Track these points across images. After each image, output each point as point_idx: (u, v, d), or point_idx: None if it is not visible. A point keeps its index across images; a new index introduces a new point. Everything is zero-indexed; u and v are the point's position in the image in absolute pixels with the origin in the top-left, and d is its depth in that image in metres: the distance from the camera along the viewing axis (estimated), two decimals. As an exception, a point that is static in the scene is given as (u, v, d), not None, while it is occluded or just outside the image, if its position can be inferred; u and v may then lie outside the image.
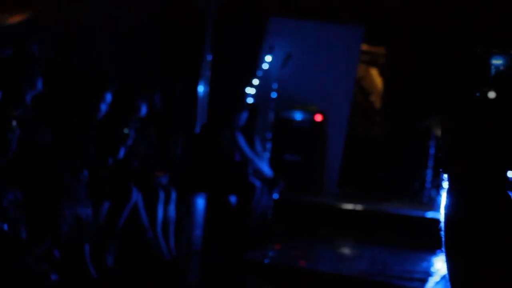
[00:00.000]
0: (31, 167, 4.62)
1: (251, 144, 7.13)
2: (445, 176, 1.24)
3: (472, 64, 1.24)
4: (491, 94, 1.20)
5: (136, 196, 5.28)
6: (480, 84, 1.21)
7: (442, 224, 1.23)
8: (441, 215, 1.24)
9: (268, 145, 8.56)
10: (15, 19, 6.37)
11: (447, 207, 1.23)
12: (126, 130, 5.27)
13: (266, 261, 6.03)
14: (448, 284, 1.24)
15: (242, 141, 6.87)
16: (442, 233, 1.23)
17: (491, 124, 1.19)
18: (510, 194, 1.18)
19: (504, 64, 1.21)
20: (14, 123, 4.39)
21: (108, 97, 5.22)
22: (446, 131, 1.26)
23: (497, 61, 1.22)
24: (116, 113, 5.59)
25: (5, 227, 4.07)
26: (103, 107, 5.20)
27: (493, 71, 1.21)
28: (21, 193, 4.36)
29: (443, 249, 1.22)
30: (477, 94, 1.21)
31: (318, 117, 9.47)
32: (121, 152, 5.28)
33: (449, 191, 1.24)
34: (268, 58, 8.92)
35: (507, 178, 1.18)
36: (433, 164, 8.81)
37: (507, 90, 1.21)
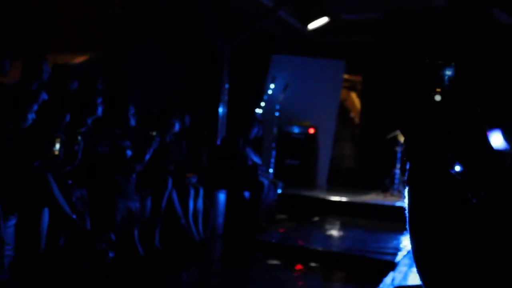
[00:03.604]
0: (93, 171, 4.60)
1: (258, 151, 7.15)
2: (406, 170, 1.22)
3: (426, 75, 1.23)
4: (437, 98, 1.18)
5: (171, 183, 5.24)
6: (433, 90, 1.19)
7: (406, 211, 1.23)
8: (405, 203, 1.22)
9: (273, 152, 8.57)
10: (80, 59, 6.40)
11: (407, 195, 1.22)
12: (154, 133, 5.18)
13: (273, 241, 6.03)
14: (411, 257, 1.23)
15: (249, 151, 6.88)
16: (406, 217, 1.22)
17: (439, 124, 1.17)
18: (456, 184, 1.16)
19: (453, 74, 1.20)
20: (79, 138, 4.42)
21: (132, 111, 5.13)
22: (403, 132, 1.25)
23: (448, 72, 1.21)
24: (156, 129, 5.61)
25: (74, 217, 4.09)
26: (132, 119, 5.17)
27: (446, 80, 1.20)
28: (85, 191, 4.37)
29: (407, 229, 1.22)
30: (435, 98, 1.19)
31: (311, 130, 9.47)
32: (148, 154, 5.11)
33: (408, 183, 1.22)
34: (272, 86, 8.95)
35: (454, 170, 1.16)
36: (400, 165, 8.79)
37: (456, 94, 1.19)
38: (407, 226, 1.20)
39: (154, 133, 5.14)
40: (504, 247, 1.10)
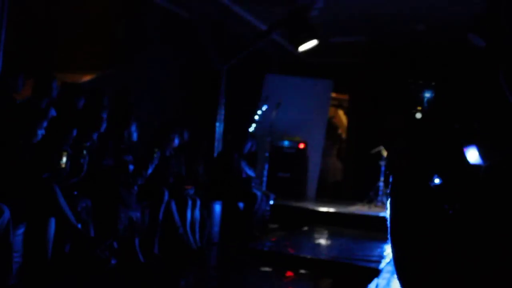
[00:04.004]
0: (97, 183, 4.60)
1: (252, 165, 7.16)
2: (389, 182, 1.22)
3: (407, 95, 1.25)
4: (418, 115, 1.20)
5: (168, 195, 5.23)
6: (414, 109, 1.21)
7: (388, 220, 1.24)
8: (387, 214, 1.25)
9: (266, 166, 8.59)
10: (87, 77, 6.43)
11: (389, 207, 1.23)
12: (156, 149, 5.19)
13: (265, 249, 6.03)
14: (392, 264, 1.24)
15: (244, 164, 6.89)
16: (387, 227, 1.22)
17: (420, 140, 1.18)
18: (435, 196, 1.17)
19: (431, 95, 1.21)
20: (85, 152, 4.42)
21: (134, 126, 5.15)
22: (386, 147, 1.26)
23: (427, 94, 1.23)
24: (157, 143, 5.63)
25: (79, 226, 4.09)
26: (135, 134, 5.17)
27: (425, 101, 1.22)
28: (90, 202, 4.37)
29: (388, 238, 1.23)
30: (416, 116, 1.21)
31: (301, 145, 9.50)
32: (150, 168, 5.18)
33: (390, 195, 1.23)
34: (265, 103, 8.99)
35: (432, 182, 1.16)
36: (384, 178, 8.84)
37: (433, 113, 1.21)
38: (388, 236, 1.20)
39: (156, 150, 5.15)
40: (479, 256, 1.11)
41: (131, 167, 4.90)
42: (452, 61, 8.15)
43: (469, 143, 1.21)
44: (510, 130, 1.17)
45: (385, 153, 8.44)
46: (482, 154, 1.20)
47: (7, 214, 3.41)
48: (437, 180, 1.17)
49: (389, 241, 1.22)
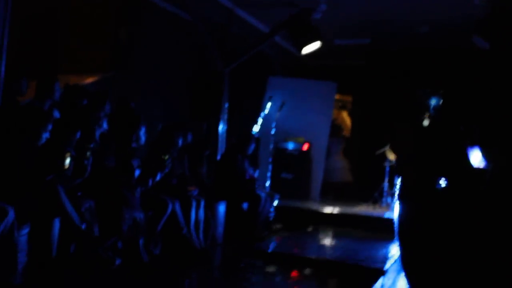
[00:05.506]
0: (101, 184, 4.62)
1: (255, 166, 7.16)
2: (397, 186, 1.24)
3: (415, 103, 1.27)
4: (425, 122, 1.23)
5: (171, 208, 5.21)
6: (421, 116, 1.24)
7: (396, 222, 1.25)
8: (395, 215, 1.26)
9: (269, 167, 8.59)
10: (89, 80, 6.46)
11: (398, 210, 1.24)
12: (166, 157, 5.17)
13: (270, 249, 6.03)
14: (400, 264, 1.25)
15: (247, 165, 6.90)
16: (396, 228, 1.24)
17: (427, 146, 1.21)
18: (441, 197, 1.18)
19: (438, 102, 1.25)
20: (88, 153, 4.44)
21: (143, 130, 5.14)
22: (395, 153, 1.28)
23: (433, 101, 1.26)
24: (160, 144, 5.65)
25: (83, 226, 4.10)
26: (143, 138, 5.18)
27: (431, 107, 1.25)
28: (94, 202, 4.37)
29: (396, 239, 1.24)
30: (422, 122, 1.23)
31: (305, 146, 9.50)
32: (158, 176, 5.19)
33: (399, 198, 1.25)
34: (268, 105, 9.00)
35: (439, 184, 1.18)
36: (388, 179, 8.81)
37: (439, 120, 1.24)
38: (397, 236, 1.23)
39: (167, 157, 5.12)
40: (485, 254, 1.12)
41: (137, 171, 4.90)
42: (456, 64, 8.16)
43: (472, 145, 1.23)
44: None
45: (390, 155, 8.44)
46: (485, 156, 1.22)
47: (11, 215, 3.44)
48: (442, 183, 1.19)
49: (396, 241, 1.22)
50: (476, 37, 6.58)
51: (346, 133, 11.21)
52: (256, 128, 8.63)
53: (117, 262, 4.12)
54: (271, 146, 8.73)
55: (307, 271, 5.26)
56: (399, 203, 1.14)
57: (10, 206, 3.46)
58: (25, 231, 3.74)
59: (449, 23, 7.84)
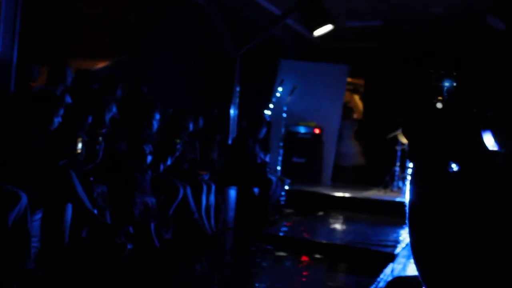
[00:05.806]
0: (113, 169, 4.63)
1: (267, 150, 7.15)
2: (410, 170, 1.23)
3: (428, 85, 1.24)
4: (439, 105, 1.20)
5: (183, 192, 5.21)
6: (434, 98, 1.21)
7: (407, 206, 1.24)
8: (406, 200, 1.25)
9: (281, 151, 8.58)
10: (101, 64, 6.46)
11: (409, 193, 1.23)
12: (177, 141, 5.16)
13: (281, 234, 6.03)
14: (410, 249, 1.24)
15: (258, 149, 6.89)
16: (407, 212, 1.22)
17: (440, 129, 1.18)
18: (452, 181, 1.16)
19: (451, 85, 1.21)
20: (100, 138, 4.45)
21: (157, 116, 5.10)
22: (407, 136, 1.26)
23: (447, 83, 1.23)
24: (172, 129, 5.65)
25: (95, 211, 4.13)
26: (155, 125, 5.17)
27: (445, 90, 1.22)
28: (106, 187, 4.40)
29: (406, 223, 1.23)
30: (436, 105, 1.21)
31: (317, 130, 9.47)
32: (169, 160, 5.16)
33: (411, 182, 1.23)
34: (280, 89, 8.96)
35: (452, 168, 1.16)
36: (399, 163, 8.77)
37: (453, 102, 1.21)
38: (407, 221, 1.22)
39: (178, 141, 5.11)
40: (498, 240, 1.10)
41: (149, 157, 4.90)
42: (470, 45, 8.02)
43: (485, 129, 1.20)
44: None
45: (401, 138, 8.38)
46: (497, 139, 1.19)
47: (24, 200, 3.46)
48: (455, 167, 1.17)
49: (406, 226, 1.23)
50: (491, 18, 6.45)
51: (358, 115, 11.14)
52: (267, 112, 8.60)
53: (129, 247, 4.14)
54: (283, 130, 8.70)
55: (318, 255, 5.25)
56: (411, 188, 1.12)
57: (23, 191, 3.48)
58: (38, 216, 3.77)
59: (463, 3, 7.70)
